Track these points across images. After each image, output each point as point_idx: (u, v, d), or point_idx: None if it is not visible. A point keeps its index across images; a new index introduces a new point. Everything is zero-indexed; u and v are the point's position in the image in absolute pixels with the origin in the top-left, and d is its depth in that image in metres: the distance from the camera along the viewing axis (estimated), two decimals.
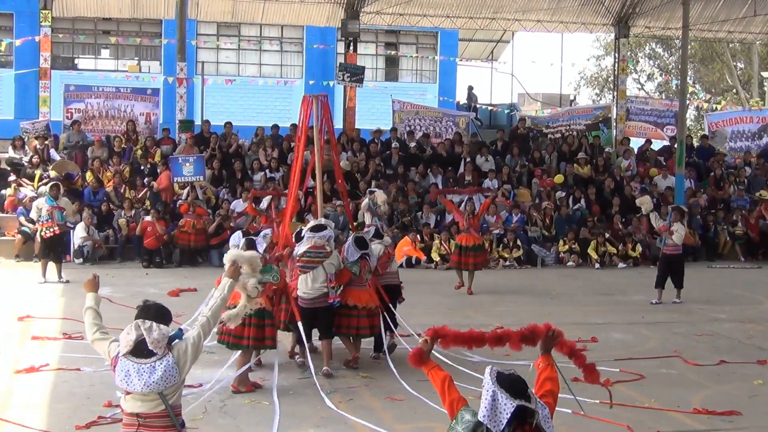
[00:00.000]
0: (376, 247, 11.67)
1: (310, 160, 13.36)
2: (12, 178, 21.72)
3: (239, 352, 9.95)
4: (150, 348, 5.36)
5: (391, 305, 11.50)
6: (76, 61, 32.28)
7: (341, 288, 10.86)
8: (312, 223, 11.37)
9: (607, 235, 21.78)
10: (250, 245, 10.09)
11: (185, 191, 20.54)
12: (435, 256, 20.62)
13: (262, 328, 9.83)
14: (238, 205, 20.91)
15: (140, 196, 21.11)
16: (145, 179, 21.68)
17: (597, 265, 21.13)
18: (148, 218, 19.86)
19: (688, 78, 37.00)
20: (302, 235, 10.82)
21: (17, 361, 10.60)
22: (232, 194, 21.69)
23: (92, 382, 9.63)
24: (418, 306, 15.11)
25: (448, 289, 17.17)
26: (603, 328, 13.58)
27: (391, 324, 11.34)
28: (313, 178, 12.57)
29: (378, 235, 12.05)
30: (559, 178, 24.01)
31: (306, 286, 10.56)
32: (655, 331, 13.40)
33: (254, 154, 23.37)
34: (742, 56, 50.22)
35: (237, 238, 11.61)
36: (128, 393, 5.41)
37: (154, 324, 5.44)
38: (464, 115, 28.55)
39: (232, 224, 19.96)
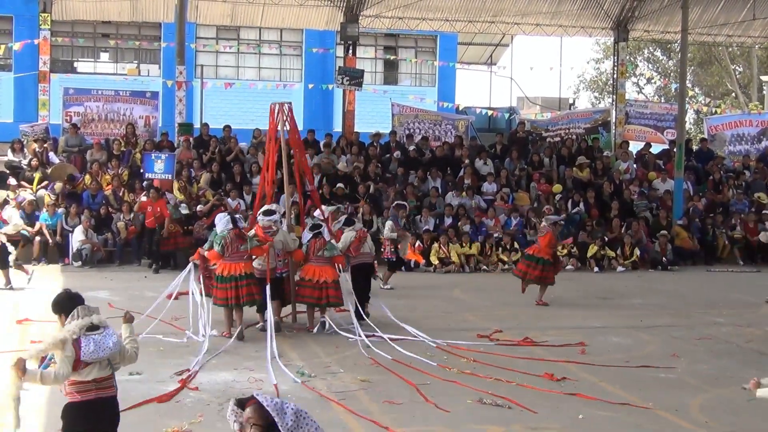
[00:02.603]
0: (348, 234, 13.84)
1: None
2: (12, 181, 21.72)
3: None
4: (97, 324, 6.47)
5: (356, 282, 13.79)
6: (75, 64, 32.35)
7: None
8: (264, 208, 13.20)
9: (606, 239, 21.80)
10: (234, 222, 12.46)
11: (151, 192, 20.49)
12: (434, 260, 20.61)
13: (251, 286, 12.24)
14: (231, 204, 21.10)
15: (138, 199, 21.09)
16: (144, 182, 21.67)
17: (596, 269, 21.13)
18: (144, 198, 19.91)
19: (687, 82, 36.98)
20: (257, 219, 13.05)
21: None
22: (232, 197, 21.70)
23: None
24: (416, 309, 15.13)
25: (446, 292, 17.19)
26: (602, 331, 13.58)
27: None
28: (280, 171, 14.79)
29: (349, 222, 14.21)
30: (557, 188, 23.95)
31: (258, 259, 12.80)
32: (654, 335, 13.40)
33: (253, 158, 23.36)
34: (741, 60, 50.27)
35: (220, 218, 13.16)
36: (87, 365, 6.36)
37: (91, 306, 6.65)
38: (463, 119, 28.55)
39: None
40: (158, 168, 21.02)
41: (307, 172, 14.64)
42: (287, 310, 13.62)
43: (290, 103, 14.59)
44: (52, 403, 9.02)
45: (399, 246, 17.22)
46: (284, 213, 14.33)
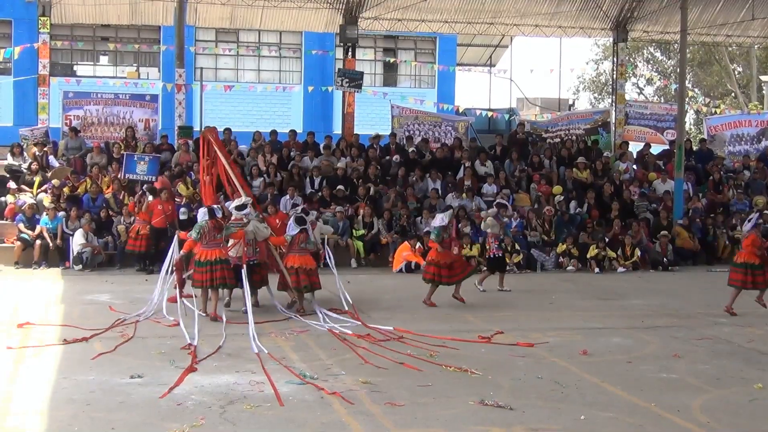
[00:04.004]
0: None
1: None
2: (12, 185, 21.71)
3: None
4: None
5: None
6: (74, 67, 32.36)
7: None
8: (236, 202, 14.79)
9: (606, 240, 21.79)
10: (212, 213, 14.07)
11: (136, 196, 20.40)
12: None
13: (224, 270, 13.88)
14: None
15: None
16: (144, 186, 21.66)
17: (596, 270, 21.12)
18: (150, 198, 20.00)
19: (687, 82, 36.97)
20: (230, 210, 14.74)
21: (17, 368, 10.59)
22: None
23: (91, 389, 9.62)
24: (418, 311, 15.13)
25: (447, 294, 17.15)
26: (603, 332, 13.57)
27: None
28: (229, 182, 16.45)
29: (304, 212, 15.54)
30: (557, 189, 23.90)
31: (233, 249, 14.36)
32: (655, 335, 13.39)
33: (253, 160, 23.36)
34: (741, 60, 50.29)
35: (202, 212, 14.89)
36: None
37: None
38: (463, 120, 28.55)
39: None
40: (140, 169, 21.13)
41: (241, 181, 16.76)
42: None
43: (215, 127, 16.94)
44: (53, 407, 9.02)
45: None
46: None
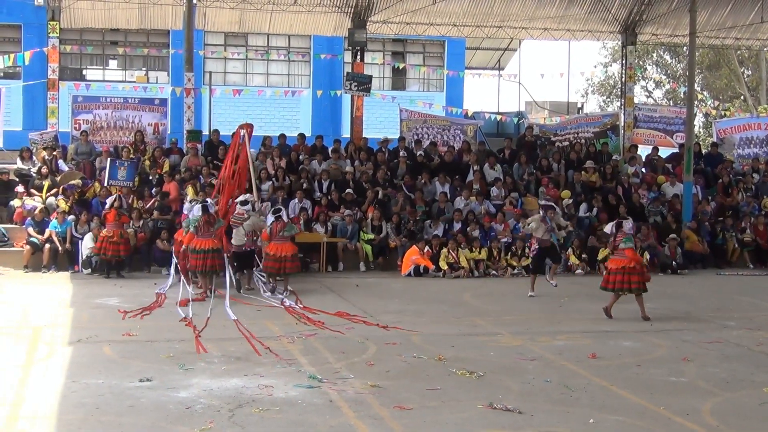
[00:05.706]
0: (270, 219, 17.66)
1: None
2: (20, 189, 21.75)
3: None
4: None
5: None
6: (84, 72, 32.44)
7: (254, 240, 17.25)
8: (241, 198, 17.15)
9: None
10: (205, 209, 16.31)
11: (110, 199, 20.09)
12: (443, 265, 20.58)
13: (218, 259, 16.29)
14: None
15: (148, 206, 21.12)
16: (153, 189, 21.71)
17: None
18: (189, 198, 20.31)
19: (696, 85, 36.89)
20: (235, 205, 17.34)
21: (27, 372, 10.62)
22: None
23: (101, 392, 9.63)
24: (425, 314, 15.13)
25: (455, 297, 17.16)
26: (612, 335, 13.55)
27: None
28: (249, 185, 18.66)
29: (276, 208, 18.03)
30: (566, 193, 23.84)
31: (235, 237, 16.84)
32: (664, 338, 13.37)
33: (262, 164, 23.38)
34: (750, 63, 50.17)
35: (195, 208, 16.96)
36: None
37: None
38: (472, 123, 28.53)
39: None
40: (121, 176, 21.18)
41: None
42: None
43: (252, 125, 18.86)
44: (62, 411, 9.04)
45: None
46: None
